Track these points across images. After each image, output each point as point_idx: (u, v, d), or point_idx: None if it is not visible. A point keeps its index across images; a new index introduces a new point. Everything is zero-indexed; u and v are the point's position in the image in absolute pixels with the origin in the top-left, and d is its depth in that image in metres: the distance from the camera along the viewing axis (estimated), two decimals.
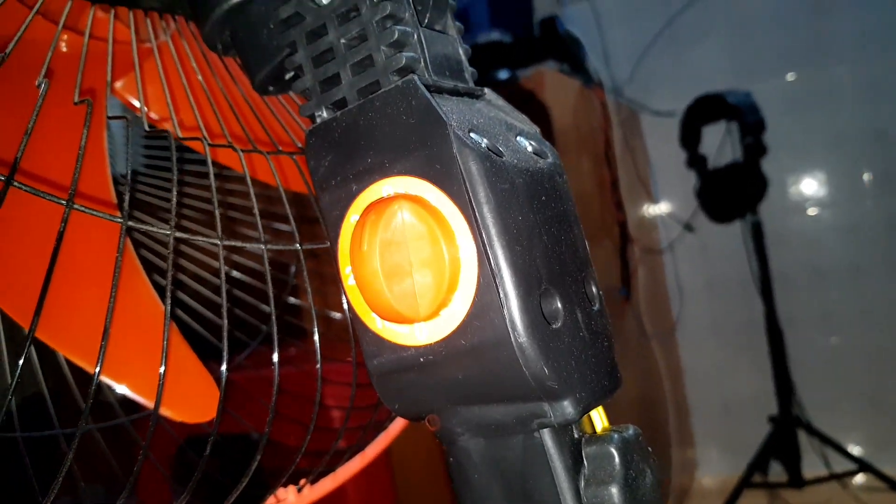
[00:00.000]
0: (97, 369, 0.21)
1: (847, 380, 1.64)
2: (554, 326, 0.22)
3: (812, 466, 1.48)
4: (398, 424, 0.35)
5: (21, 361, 0.21)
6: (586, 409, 0.22)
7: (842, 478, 1.43)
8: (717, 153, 1.58)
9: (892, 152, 1.60)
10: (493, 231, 0.21)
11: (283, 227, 0.32)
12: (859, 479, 1.52)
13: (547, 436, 0.22)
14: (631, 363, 1.44)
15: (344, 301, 0.29)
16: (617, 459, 0.22)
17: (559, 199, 0.24)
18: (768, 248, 1.57)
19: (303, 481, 0.30)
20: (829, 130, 1.66)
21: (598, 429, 0.24)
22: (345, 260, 0.23)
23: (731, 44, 1.73)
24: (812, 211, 1.69)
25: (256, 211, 0.28)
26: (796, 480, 1.46)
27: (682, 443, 1.69)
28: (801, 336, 1.66)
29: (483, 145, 0.22)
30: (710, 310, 1.76)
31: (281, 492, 0.30)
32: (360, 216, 0.22)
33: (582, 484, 0.22)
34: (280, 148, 0.29)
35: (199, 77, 0.29)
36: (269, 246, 0.28)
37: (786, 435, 1.45)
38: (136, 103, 0.30)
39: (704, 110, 1.50)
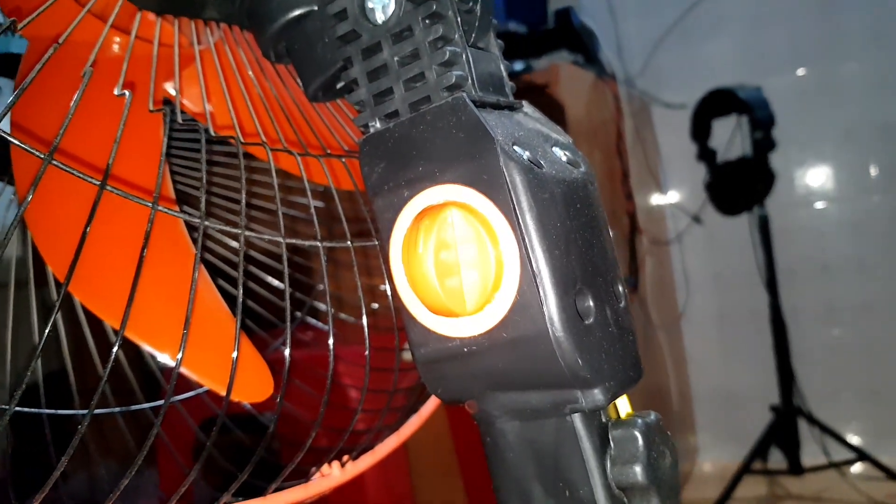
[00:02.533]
0: (179, 356, 0.23)
1: (848, 371, 1.67)
2: (587, 322, 0.24)
3: (811, 455, 1.51)
4: (430, 406, 0.38)
5: (113, 352, 0.23)
6: (614, 397, 0.25)
7: (840, 466, 1.46)
8: (726, 147, 1.60)
9: None
10: (534, 236, 0.23)
11: (335, 224, 0.34)
12: (857, 467, 1.55)
13: (578, 420, 0.25)
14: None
15: (389, 294, 0.32)
16: (640, 442, 0.24)
17: (591, 206, 0.27)
18: (774, 240, 1.59)
19: (346, 457, 0.33)
20: (837, 125, 1.68)
21: (623, 414, 0.26)
22: (396, 258, 0.26)
23: (742, 38, 1.74)
24: (819, 205, 1.71)
25: (279, 206, 0.30)
26: (796, 468, 1.49)
27: (685, 429, 1.72)
28: (805, 328, 1.69)
29: (525, 158, 0.24)
30: (716, 300, 1.79)
31: (325, 468, 0.33)
32: (414, 220, 0.25)
33: (608, 463, 0.25)
34: (329, 151, 0.32)
35: (254, 81, 0.31)
36: (288, 240, 0.30)
37: (786, 424, 1.48)
38: (193, 108, 0.33)
39: (715, 104, 1.51)
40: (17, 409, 0.22)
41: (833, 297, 1.68)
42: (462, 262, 0.24)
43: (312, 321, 0.48)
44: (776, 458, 1.60)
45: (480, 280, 0.24)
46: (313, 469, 0.33)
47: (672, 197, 1.84)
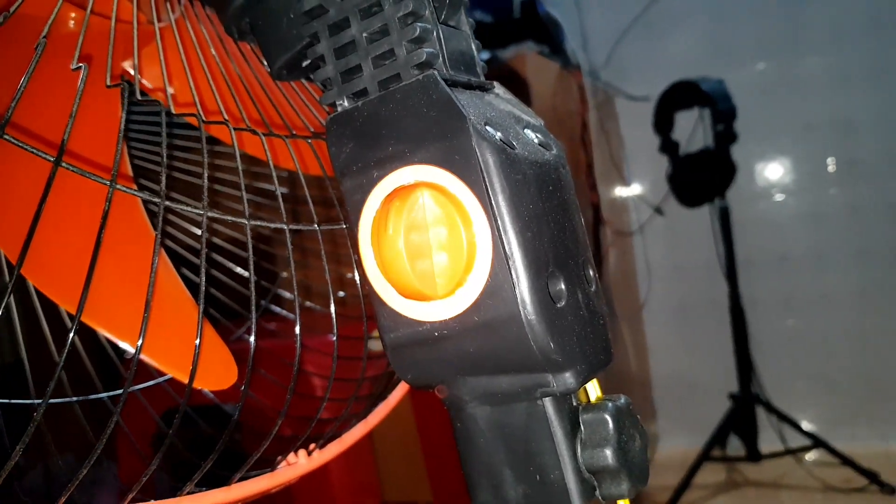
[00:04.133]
0: (139, 342, 0.22)
1: (804, 360, 1.71)
2: (559, 306, 0.24)
3: (769, 442, 1.55)
4: (398, 394, 0.37)
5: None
6: (585, 380, 0.24)
7: (796, 453, 1.50)
8: (689, 139, 1.62)
9: (858, 141, 1.66)
10: (507, 218, 0.23)
11: (302, 210, 0.33)
12: (813, 454, 1.60)
13: (549, 404, 0.24)
14: None
15: (357, 280, 0.31)
16: (611, 425, 0.24)
17: (563, 189, 0.26)
18: (734, 232, 1.62)
19: (312, 446, 0.32)
20: (797, 119, 1.71)
21: (593, 398, 0.26)
22: (365, 241, 0.25)
23: (705, 32, 1.76)
24: (778, 197, 1.75)
25: (243, 187, 0.29)
26: (753, 455, 1.53)
27: (646, 417, 1.75)
28: (763, 318, 1.73)
29: (498, 138, 0.24)
30: (677, 291, 1.82)
31: (291, 456, 0.32)
32: (384, 202, 0.24)
33: (579, 447, 0.24)
34: (294, 132, 0.31)
35: (216, 59, 0.30)
36: (252, 222, 0.29)
37: (745, 411, 1.52)
38: (153, 87, 0.31)
39: (678, 96, 1.53)
40: None
41: (791, 287, 1.72)
42: (433, 245, 0.23)
43: (277, 310, 0.47)
44: (735, 445, 1.64)
45: (452, 262, 0.23)
46: (279, 458, 0.32)
47: (635, 188, 1.86)
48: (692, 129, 1.62)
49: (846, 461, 1.45)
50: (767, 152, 1.74)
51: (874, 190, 1.65)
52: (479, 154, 0.23)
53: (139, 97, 0.26)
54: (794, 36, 1.70)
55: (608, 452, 0.24)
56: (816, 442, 1.48)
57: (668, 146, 1.59)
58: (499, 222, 0.23)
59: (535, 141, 0.27)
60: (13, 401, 0.38)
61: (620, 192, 1.84)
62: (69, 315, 0.35)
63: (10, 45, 0.30)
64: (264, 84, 0.32)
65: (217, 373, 0.30)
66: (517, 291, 0.23)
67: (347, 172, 0.26)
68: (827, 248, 1.69)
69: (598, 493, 0.25)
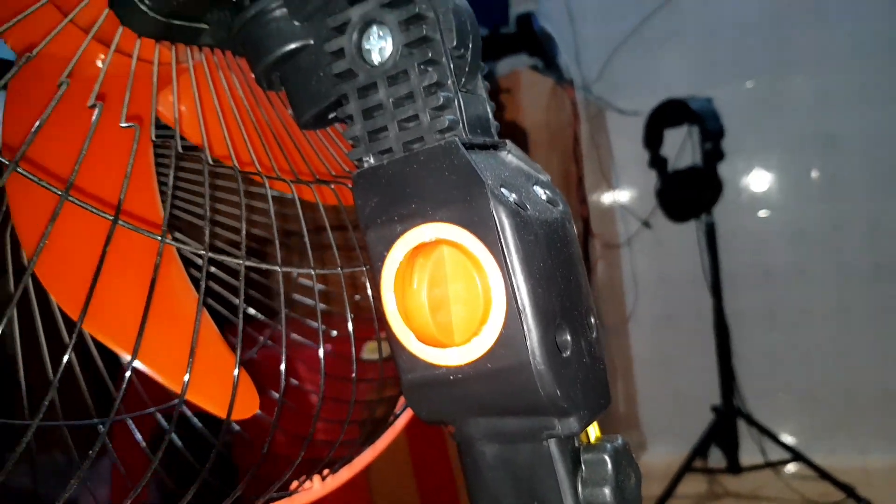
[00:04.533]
0: (132, 362, 0.24)
1: (785, 374, 1.75)
2: (565, 355, 0.26)
3: (749, 454, 1.58)
4: (404, 420, 0.39)
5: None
6: (587, 424, 0.27)
7: (776, 466, 1.54)
8: (677, 155, 1.65)
9: (840, 158, 1.70)
10: (520, 275, 0.25)
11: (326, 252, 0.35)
12: (792, 467, 1.63)
13: (553, 445, 0.27)
14: None
15: (375, 319, 0.34)
16: (609, 465, 0.27)
17: (569, 244, 0.29)
18: (720, 247, 1.65)
19: (326, 471, 0.34)
20: (782, 136, 1.75)
21: (593, 438, 0.28)
22: (388, 289, 0.27)
23: (696, 50, 1.80)
24: (762, 213, 1.79)
25: (244, 229, 0.31)
26: (734, 467, 1.56)
27: (630, 427, 1.78)
28: (746, 331, 1.76)
29: (512, 200, 0.26)
30: (663, 304, 1.85)
31: (307, 483, 0.34)
32: (408, 256, 0.27)
33: (580, 485, 0.27)
34: (317, 176, 0.33)
35: (247, 107, 0.32)
36: (247, 262, 0.31)
37: (726, 424, 1.55)
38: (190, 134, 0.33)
39: (668, 114, 1.56)
40: None
41: (774, 302, 1.76)
42: (452, 298, 0.26)
43: (299, 339, 0.49)
44: (716, 457, 1.68)
45: (469, 314, 0.26)
46: (295, 483, 0.34)
47: (623, 201, 1.89)
48: (681, 145, 1.66)
49: (824, 475, 1.49)
50: (752, 168, 1.78)
51: (855, 207, 1.69)
52: (496, 216, 0.25)
53: (181, 150, 0.28)
54: (780, 56, 1.74)
55: (606, 491, 0.26)
56: (795, 455, 1.51)
57: (657, 162, 1.62)
58: (513, 279, 0.25)
59: (544, 198, 0.29)
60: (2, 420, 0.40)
61: (609, 204, 1.87)
62: (67, 330, 0.37)
63: (41, 84, 0.32)
64: (290, 129, 0.34)
65: (241, 402, 0.32)
66: (528, 343, 0.25)
67: (372, 224, 0.28)
68: (809, 264, 1.73)
69: None
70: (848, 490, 1.47)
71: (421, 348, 0.27)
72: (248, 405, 0.32)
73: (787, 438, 1.71)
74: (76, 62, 0.31)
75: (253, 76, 0.33)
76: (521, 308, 0.25)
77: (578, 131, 1.64)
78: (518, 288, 0.25)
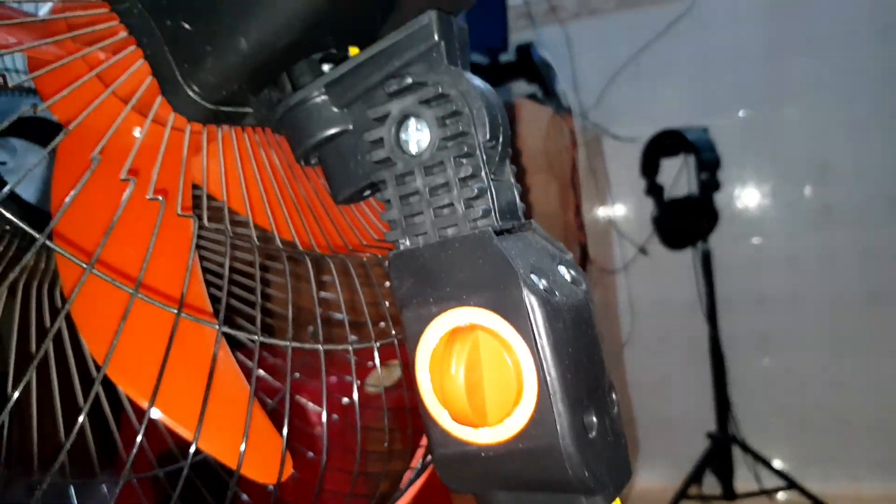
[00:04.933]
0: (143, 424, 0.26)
1: (779, 400, 1.77)
2: (591, 436, 0.28)
3: (744, 481, 1.60)
4: (412, 492, 0.41)
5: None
6: (612, 500, 0.28)
7: (770, 493, 1.55)
8: (673, 183, 1.68)
9: (833, 186, 1.73)
10: (550, 361, 0.27)
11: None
12: (785, 494, 1.65)
13: None
14: None
15: (409, 396, 0.35)
16: None
17: (591, 325, 0.30)
18: (715, 273, 1.68)
19: None
20: (776, 165, 1.78)
21: None
22: (422, 368, 0.29)
23: (691, 79, 1.83)
24: (756, 240, 1.81)
25: (258, 303, 0.33)
26: (729, 494, 1.58)
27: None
28: (740, 357, 1.79)
29: (542, 287, 0.28)
30: (658, 329, 1.87)
31: None
32: (445, 340, 0.28)
33: None
34: (351, 249, 0.35)
35: (287, 186, 0.34)
36: (260, 339, 0.32)
37: (721, 451, 1.57)
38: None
39: (664, 144, 1.59)
40: None
41: (768, 328, 1.78)
42: (487, 381, 0.27)
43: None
44: (710, 484, 1.69)
45: (502, 397, 0.27)
46: None
47: (620, 227, 1.92)
48: (677, 174, 1.69)
49: (817, 502, 1.50)
50: (747, 196, 1.81)
51: (848, 235, 1.72)
52: (528, 305, 0.27)
53: (230, 233, 0.30)
54: (773, 85, 1.78)
55: None
56: (790, 483, 1.53)
57: (654, 190, 1.65)
58: (544, 365, 0.27)
59: (569, 279, 0.31)
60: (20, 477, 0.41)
61: (606, 230, 1.89)
62: (82, 390, 0.38)
63: (102, 171, 0.34)
64: (324, 202, 0.36)
65: (273, 466, 0.33)
66: (558, 425, 0.27)
67: (407, 304, 0.30)
68: (802, 291, 1.76)
69: None
70: None
71: (454, 426, 0.29)
72: (285, 469, 0.34)
73: (781, 464, 1.73)
74: (113, 133, 0.33)
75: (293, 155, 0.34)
76: (552, 392, 0.27)
77: (576, 158, 1.67)
78: (549, 374, 0.27)
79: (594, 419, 0.28)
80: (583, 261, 1.65)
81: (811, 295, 1.75)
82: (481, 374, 0.27)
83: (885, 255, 1.68)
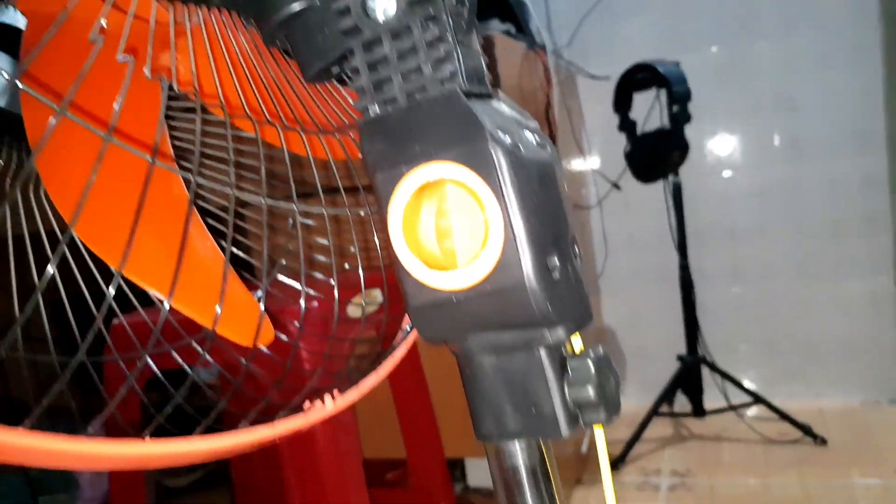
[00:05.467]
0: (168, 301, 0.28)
1: (748, 326, 1.84)
2: (554, 277, 0.30)
3: (713, 400, 1.67)
4: (403, 350, 0.43)
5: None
6: (572, 333, 0.31)
7: (738, 409, 1.62)
8: (646, 118, 1.70)
9: (800, 121, 1.76)
10: (516, 206, 0.29)
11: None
12: (753, 410, 1.73)
13: (543, 353, 0.31)
14: None
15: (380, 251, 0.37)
16: (592, 368, 0.31)
17: (557, 182, 0.32)
18: (686, 207, 1.72)
19: (336, 391, 0.38)
20: (746, 100, 1.81)
21: (578, 350, 0.33)
22: (395, 223, 0.31)
23: (664, 16, 1.84)
24: (726, 174, 1.85)
25: (231, 161, 0.34)
26: (698, 411, 1.65)
27: None
28: (712, 287, 1.84)
29: (508, 142, 0.30)
30: (631, 261, 1.92)
31: (318, 403, 0.38)
32: (415, 193, 0.30)
33: (566, 386, 0.31)
34: (321, 127, 0.36)
35: (239, 57, 0.35)
36: (235, 192, 0.34)
37: (691, 372, 1.63)
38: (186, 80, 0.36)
39: (637, 77, 1.60)
40: None
41: (737, 258, 1.84)
42: (456, 228, 0.30)
43: (285, 280, 0.52)
44: (681, 403, 1.76)
45: (471, 242, 0.29)
46: (307, 403, 0.38)
47: (594, 164, 1.94)
48: (650, 109, 1.70)
49: (783, 416, 1.58)
50: (718, 131, 1.84)
51: (815, 167, 1.76)
52: (494, 156, 0.29)
53: (176, 90, 0.31)
54: (745, 22, 1.79)
55: (590, 388, 0.31)
56: (756, 399, 1.60)
57: (627, 125, 1.67)
58: (509, 209, 0.29)
59: (534, 142, 0.33)
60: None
61: (581, 167, 1.92)
62: (96, 272, 0.40)
63: (56, 42, 0.35)
64: (294, 85, 0.37)
65: (250, 330, 0.35)
66: (523, 266, 0.29)
67: (378, 167, 0.31)
68: (770, 222, 1.81)
69: (580, 421, 0.31)
70: (805, 429, 1.56)
71: (427, 274, 0.31)
72: (265, 334, 0.36)
73: (749, 384, 1.81)
74: (80, 21, 0.34)
75: (260, 36, 0.36)
76: (517, 235, 0.29)
77: (551, 95, 1.67)
78: (514, 218, 0.29)
79: (557, 262, 0.31)
80: None
81: (779, 225, 1.80)
82: (450, 222, 0.29)
83: (850, 186, 1.73)
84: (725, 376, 1.62)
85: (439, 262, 0.30)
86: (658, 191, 1.75)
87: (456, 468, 1.45)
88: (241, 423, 0.33)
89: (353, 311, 0.66)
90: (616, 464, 1.56)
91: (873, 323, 1.74)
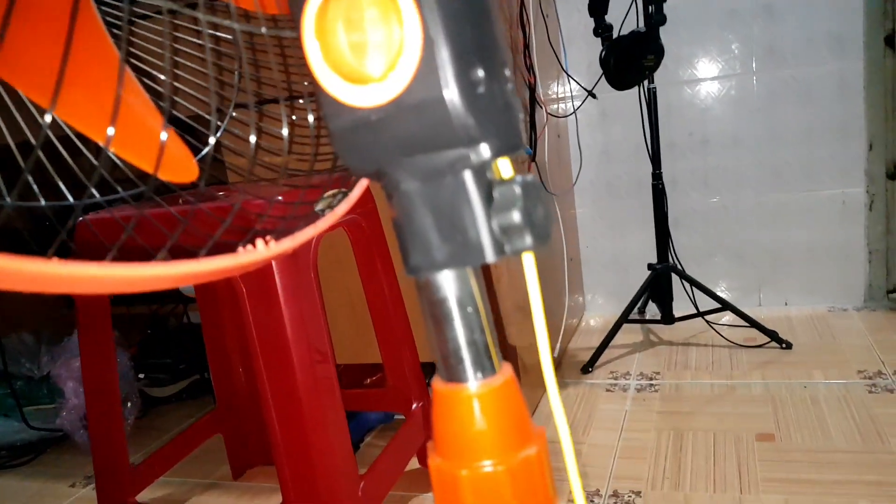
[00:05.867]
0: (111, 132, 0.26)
1: (719, 236, 1.85)
2: (478, 91, 0.29)
3: (683, 308, 1.69)
4: (344, 206, 0.42)
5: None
6: (498, 154, 0.30)
7: (707, 315, 1.65)
8: (622, 23, 1.65)
9: (777, 29, 1.72)
10: (434, 9, 0.27)
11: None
12: (723, 317, 1.76)
13: (468, 176, 0.30)
14: None
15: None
16: (518, 192, 0.30)
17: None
18: (660, 117, 1.69)
19: (268, 237, 0.37)
20: (721, 6, 1.76)
21: (507, 176, 0.31)
22: (309, 33, 0.29)
23: None
24: (701, 83, 1.82)
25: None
26: (668, 318, 1.67)
27: (574, 289, 1.87)
28: (684, 197, 1.84)
29: None
30: (606, 171, 1.90)
31: (251, 246, 0.37)
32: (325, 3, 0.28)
33: (492, 211, 0.30)
34: None
35: None
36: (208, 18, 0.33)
37: (662, 280, 1.64)
38: None
39: None
40: None
41: (709, 169, 1.83)
42: (368, 22, 0.27)
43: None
44: (652, 311, 1.79)
45: (385, 40, 0.28)
46: (240, 246, 0.37)
47: (570, 71, 1.90)
48: (626, 13, 1.65)
49: (751, 322, 1.61)
50: (693, 39, 1.79)
51: (789, 74, 1.73)
52: None
53: None
54: None
55: (515, 213, 0.29)
56: (725, 306, 1.62)
57: (602, 29, 1.62)
58: (427, 13, 0.27)
59: None
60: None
61: (556, 74, 1.87)
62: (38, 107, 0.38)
63: None
64: None
65: (182, 167, 0.34)
66: (441, 75, 0.27)
67: None
68: (744, 132, 1.79)
69: (507, 248, 0.30)
70: (772, 334, 1.60)
71: (345, 90, 0.29)
72: (188, 170, 0.34)
73: (720, 293, 1.83)
74: None
75: None
76: (434, 39, 0.27)
77: None
78: (430, 20, 0.27)
79: (482, 76, 0.29)
80: (532, 102, 1.64)
81: (752, 136, 1.78)
82: (362, 15, 0.27)
83: (824, 92, 1.71)
84: (695, 283, 1.63)
85: (355, 72, 0.28)
86: (633, 101, 1.72)
87: (430, 372, 1.47)
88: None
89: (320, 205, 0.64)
90: (586, 368, 1.59)
91: (844, 231, 1.76)
